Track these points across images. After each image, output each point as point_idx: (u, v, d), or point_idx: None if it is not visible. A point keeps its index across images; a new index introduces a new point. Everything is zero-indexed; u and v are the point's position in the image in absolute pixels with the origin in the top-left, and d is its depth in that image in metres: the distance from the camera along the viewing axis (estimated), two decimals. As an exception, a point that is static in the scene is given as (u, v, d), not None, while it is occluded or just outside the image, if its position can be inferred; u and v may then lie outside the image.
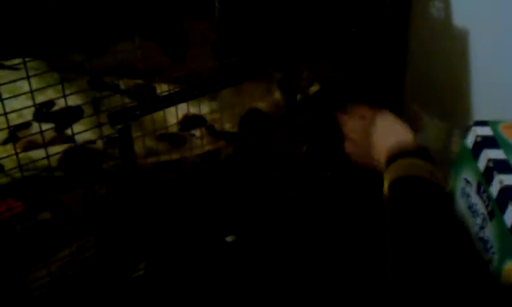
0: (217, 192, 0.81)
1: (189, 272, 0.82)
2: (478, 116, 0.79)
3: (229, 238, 0.91)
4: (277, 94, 0.84)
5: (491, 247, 0.50)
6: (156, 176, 0.75)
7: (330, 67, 0.86)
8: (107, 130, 0.71)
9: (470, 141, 0.56)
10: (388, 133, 0.57)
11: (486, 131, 0.55)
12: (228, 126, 0.82)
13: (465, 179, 0.56)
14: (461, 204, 0.57)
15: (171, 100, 0.75)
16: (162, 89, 0.81)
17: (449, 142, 0.84)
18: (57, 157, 0.68)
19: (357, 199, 0.95)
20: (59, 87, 0.70)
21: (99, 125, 0.70)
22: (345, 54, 0.84)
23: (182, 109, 0.81)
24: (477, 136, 0.54)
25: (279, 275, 0.91)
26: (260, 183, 0.87)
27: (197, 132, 0.80)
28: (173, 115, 0.81)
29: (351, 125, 0.62)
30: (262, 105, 0.83)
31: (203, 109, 0.82)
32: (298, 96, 0.83)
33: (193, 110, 0.82)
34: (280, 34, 0.82)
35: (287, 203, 0.90)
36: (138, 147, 0.74)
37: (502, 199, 0.48)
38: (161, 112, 0.80)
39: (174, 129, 0.80)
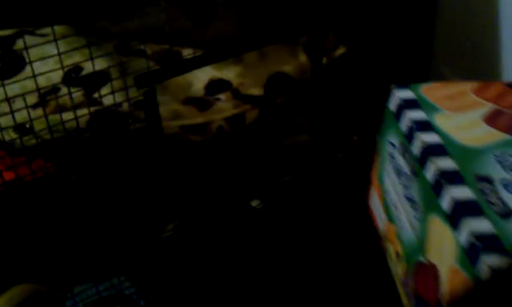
0: (243, 156, 0.82)
1: (215, 235, 0.84)
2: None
3: (254, 203, 0.92)
4: (302, 58, 0.83)
5: (417, 204, 0.51)
6: (181, 139, 0.76)
7: (356, 29, 0.84)
8: (132, 93, 0.72)
9: (392, 104, 0.57)
10: None
11: (407, 94, 0.57)
12: (253, 90, 0.82)
13: (390, 142, 0.58)
14: (388, 168, 0.59)
15: (195, 63, 0.75)
16: (188, 53, 0.82)
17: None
18: (85, 119, 0.70)
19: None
20: (87, 51, 0.71)
21: (125, 88, 0.71)
22: (371, 14, 0.83)
23: (208, 73, 0.82)
24: (399, 99, 0.56)
25: (304, 243, 0.92)
26: (288, 148, 0.86)
27: (222, 96, 0.80)
28: (199, 79, 0.81)
29: None
30: (287, 68, 0.83)
31: (229, 73, 0.82)
32: (324, 59, 0.82)
33: (218, 74, 0.82)
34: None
35: (318, 170, 0.90)
36: (164, 110, 0.75)
37: (423, 157, 0.50)
38: (186, 77, 0.81)
39: (199, 93, 0.80)
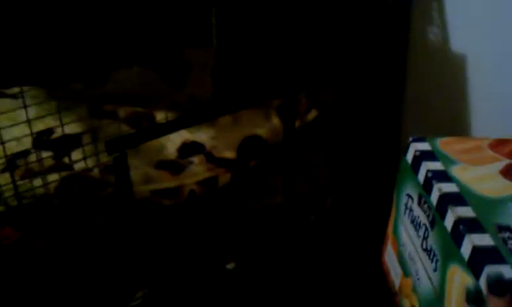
0: (215, 219, 0.81)
1: (188, 299, 0.82)
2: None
3: (230, 266, 0.91)
4: (275, 121, 0.84)
5: (435, 255, 0.51)
6: (153, 203, 0.75)
7: (328, 93, 0.86)
8: (104, 158, 0.72)
9: (409, 156, 0.58)
10: None
11: (425, 146, 0.57)
12: (226, 153, 0.82)
13: (407, 194, 0.58)
14: (405, 221, 0.58)
15: (167, 129, 0.75)
16: (161, 116, 0.82)
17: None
18: (54, 184, 0.69)
19: (358, 230, 0.95)
20: (58, 115, 0.71)
21: (96, 154, 0.71)
22: (344, 80, 0.85)
23: (181, 135, 0.82)
24: (416, 151, 0.56)
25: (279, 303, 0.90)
26: (261, 210, 0.86)
27: (195, 159, 0.80)
28: (172, 142, 0.81)
29: None
30: (260, 131, 0.83)
31: (202, 135, 0.82)
32: (296, 123, 0.83)
33: (191, 137, 0.82)
34: (278, 61, 0.83)
35: (291, 230, 0.89)
36: (135, 174, 0.75)
37: (442, 206, 0.50)
38: (159, 139, 0.81)
39: (172, 156, 0.80)
